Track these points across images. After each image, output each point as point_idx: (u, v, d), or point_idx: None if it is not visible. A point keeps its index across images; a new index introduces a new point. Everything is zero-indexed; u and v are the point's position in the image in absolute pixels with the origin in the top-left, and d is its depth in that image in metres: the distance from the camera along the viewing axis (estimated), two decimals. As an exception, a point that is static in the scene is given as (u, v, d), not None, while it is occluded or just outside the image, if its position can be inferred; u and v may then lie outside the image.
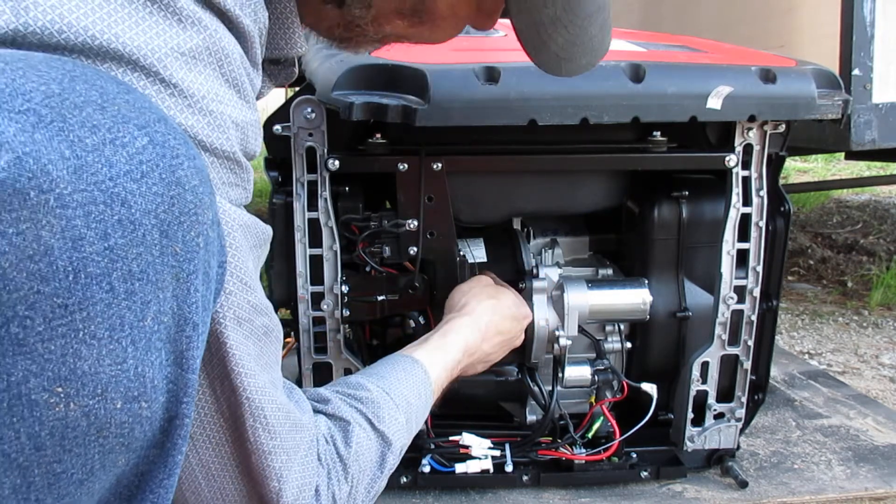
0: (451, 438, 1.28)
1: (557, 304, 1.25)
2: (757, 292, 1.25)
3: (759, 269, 1.24)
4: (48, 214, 0.42)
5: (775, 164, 1.24)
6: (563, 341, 1.23)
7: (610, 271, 1.36)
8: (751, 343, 1.28)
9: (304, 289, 1.18)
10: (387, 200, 1.28)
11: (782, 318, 2.47)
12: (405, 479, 1.27)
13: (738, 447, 1.34)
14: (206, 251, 0.51)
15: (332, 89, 1.01)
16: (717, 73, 1.09)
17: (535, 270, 1.27)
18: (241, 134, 0.61)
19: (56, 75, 0.46)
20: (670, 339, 1.34)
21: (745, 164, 1.21)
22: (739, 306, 1.26)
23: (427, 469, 1.28)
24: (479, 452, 1.27)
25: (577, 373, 1.28)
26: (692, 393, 1.29)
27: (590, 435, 1.30)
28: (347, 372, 1.24)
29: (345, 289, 1.18)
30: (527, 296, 1.23)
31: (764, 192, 1.22)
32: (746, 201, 1.22)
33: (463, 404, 1.36)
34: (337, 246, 1.17)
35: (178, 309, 0.49)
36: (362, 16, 0.72)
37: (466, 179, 1.23)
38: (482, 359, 1.12)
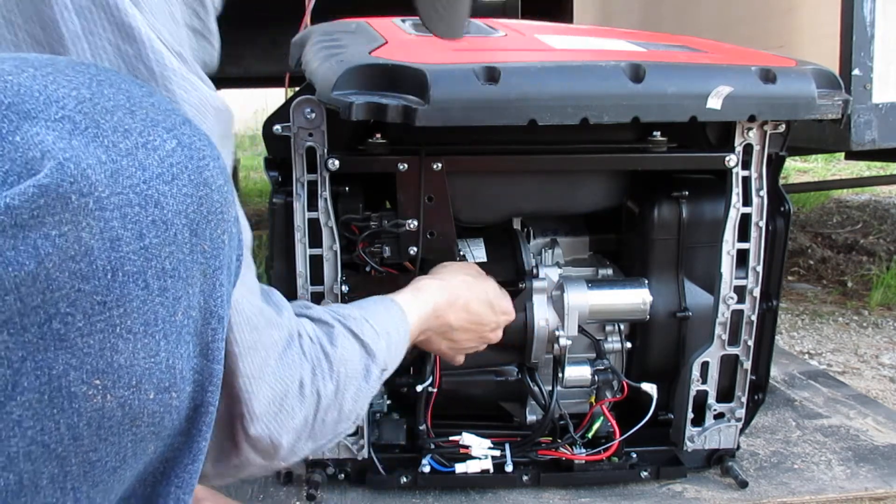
0: (451, 438, 1.28)
1: (557, 304, 1.25)
2: (757, 292, 1.25)
3: (759, 269, 1.24)
4: (88, 217, 0.44)
5: (775, 164, 1.24)
6: (563, 341, 1.23)
7: (610, 271, 1.36)
8: (751, 343, 1.28)
9: (304, 289, 1.18)
10: (387, 200, 1.28)
11: (782, 318, 2.47)
12: (405, 479, 1.27)
13: (738, 447, 1.34)
14: (230, 247, 0.53)
15: (332, 89, 1.01)
16: (717, 73, 1.09)
17: (535, 270, 1.27)
18: None
19: (83, 80, 0.48)
20: (670, 339, 1.34)
21: (745, 164, 1.21)
22: (739, 306, 1.26)
23: (427, 469, 1.28)
24: (479, 452, 1.27)
25: (577, 373, 1.28)
26: (692, 393, 1.29)
27: (590, 435, 1.30)
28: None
29: (345, 289, 1.18)
30: (527, 296, 1.23)
31: (764, 192, 1.22)
32: (746, 201, 1.22)
33: (463, 404, 1.36)
34: (337, 246, 1.17)
35: (205, 303, 0.52)
36: None
37: (466, 179, 1.23)
38: (447, 330, 1.10)
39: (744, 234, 1.23)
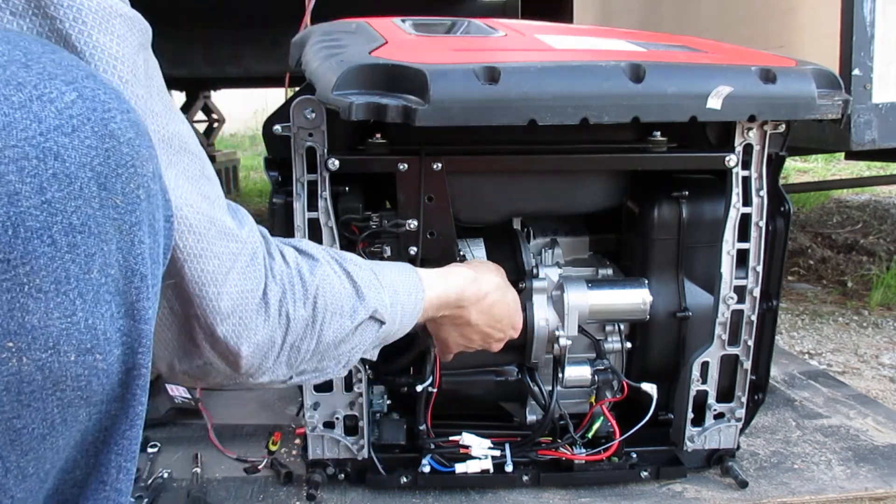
0: (451, 438, 1.29)
1: (557, 304, 1.25)
2: (757, 292, 1.25)
3: (759, 269, 1.24)
4: None
5: (775, 164, 1.24)
6: (563, 341, 1.23)
7: (610, 271, 1.36)
8: (751, 343, 1.28)
9: (304, 289, 1.18)
10: (387, 200, 1.28)
11: (782, 318, 2.47)
12: (405, 479, 1.27)
13: (738, 447, 1.34)
14: (149, 203, 0.52)
15: (332, 89, 1.01)
16: (717, 73, 1.09)
17: (535, 270, 1.27)
18: None
19: None
20: (670, 339, 1.34)
21: (745, 164, 1.21)
22: (739, 306, 1.26)
23: (427, 469, 1.28)
24: (479, 452, 1.27)
25: (577, 373, 1.28)
26: (692, 393, 1.29)
27: (590, 435, 1.30)
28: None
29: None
30: (527, 296, 1.23)
31: (764, 192, 1.22)
32: (746, 201, 1.22)
33: (463, 404, 1.36)
34: (337, 246, 1.17)
35: (124, 261, 0.50)
36: None
37: (466, 179, 1.23)
38: (464, 323, 1.10)
39: (744, 234, 1.23)
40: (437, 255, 1.20)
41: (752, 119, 1.12)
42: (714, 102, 1.07)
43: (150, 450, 1.42)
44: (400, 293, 0.94)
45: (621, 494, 1.30)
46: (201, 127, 5.17)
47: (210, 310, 0.69)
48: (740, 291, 1.25)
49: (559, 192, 1.30)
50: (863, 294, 2.75)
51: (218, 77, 3.50)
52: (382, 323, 0.90)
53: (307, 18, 1.72)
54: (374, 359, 1.01)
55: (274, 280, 0.76)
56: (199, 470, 1.36)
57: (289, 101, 1.14)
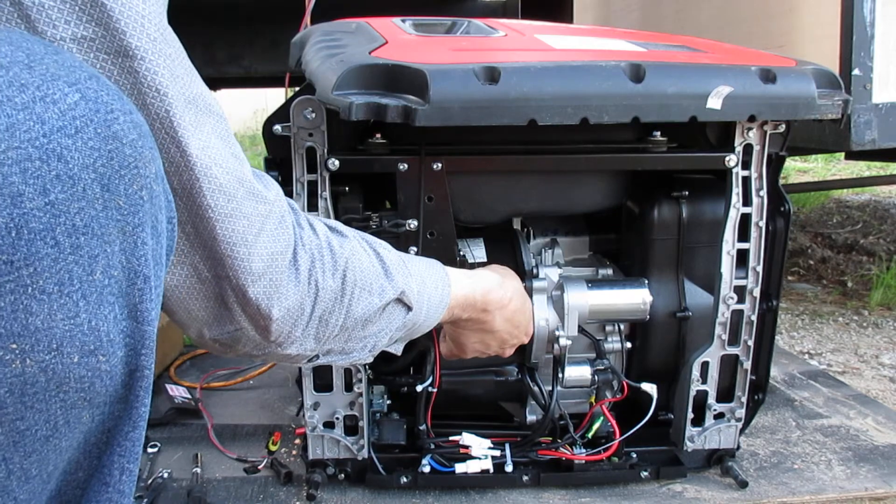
0: (451, 438, 1.28)
1: (557, 304, 1.25)
2: (757, 292, 1.25)
3: (759, 269, 1.24)
4: None
5: (775, 164, 1.24)
6: (563, 341, 1.23)
7: (610, 271, 1.36)
8: (751, 343, 1.28)
9: (304, 289, 1.18)
10: (387, 200, 1.28)
11: (782, 318, 2.47)
12: (405, 479, 1.27)
13: (738, 447, 1.34)
14: (152, 205, 0.52)
15: (332, 89, 1.01)
16: (717, 73, 1.09)
17: (535, 270, 1.27)
18: None
19: None
20: (670, 339, 1.34)
21: (745, 164, 1.21)
22: (739, 306, 1.26)
23: (427, 469, 1.28)
24: (479, 452, 1.27)
25: (577, 373, 1.28)
26: (692, 393, 1.29)
27: (590, 435, 1.30)
28: (348, 371, 1.24)
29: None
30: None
31: (764, 192, 1.22)
32: (746, 201, 1.22)
33: (463, 404, 1.36)
34: (337, 246, 1.17)
35: (127, 262, 0.50)
36: None
37: (466, 179, 1.23)
38: (488, 329, 1.10)
39: (744, 234, 1.23)
40: (437, 255, 1.20)
41: (752, 119, 1.12)
42: (714, 102, 1.07)
43: (150, 450, 1.42)
44: (427, 284, 0.95)
45: (621, 494, 1.30)
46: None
47: (241, 269, 0.70)
48: (740, 291, 1.25)
49: (559, 192, 1.30)
50: (863, 294, 2.75)
51: (218, 77, 3.49)
52: (409, 309, 0.91)
53: (307, 18, 1.72)
54: (399, 353, 1.01)
55: (304, 248, 0.77)
56: (199, 470, 1.36)
57: (289, 101, 1.14)
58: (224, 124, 0.68)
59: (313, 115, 1.12)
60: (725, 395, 1.31)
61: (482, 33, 1.38)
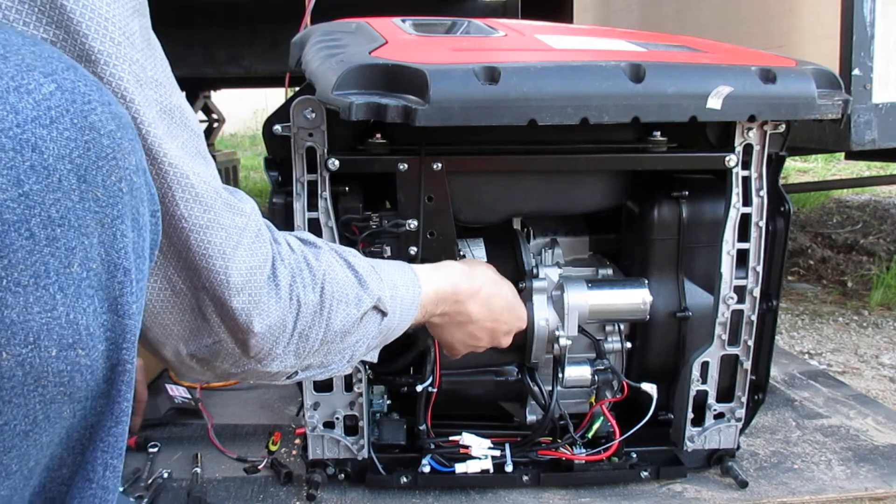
0: (451, 438, 1.28)
1: (557, 304, 1.25)
2: (757, 292, 1.25)
3: (759, 269, 1.24)
4: None
5: (775, 164, 1.24)
6: (563, 341, 1.23)
7: (610, 271, 1.36)
8: (751, 343, 1.28)
9: (304, 289, 1.18)
10: (387, 200, 1.28)
11: (782, 318, 2.47)
12: (405, 479, 1.27)
13: (738, 447, 1.34)
14: (133, 197, 0.50)
15: (332, 89, 1.01)
16: (717, 73, 1.09)
17: (535, 270, 1.27)
18: None
19: None
20: (670, 339, 1.34)
21: (745, 164, 1.21)
22: (739, 306, 1.26)
23: (427, 469, 1.28)
24: (479, 452, 1.27)
25: (577, 373, 1.28)
26: (692, 393, 1.29)
27: (590, 435, 1.30)
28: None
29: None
30: (527, 296, 1.23)
31: (764, 192, 1.22)
32: (746, 201, 1.22)
33: (463, 404, 1.36)
34: (337, 246, 1.17)
35: (106, 255, 0.49)
36: None
37: (466, 179, 1.23)
38: (466, 320, 1.09)
39: (744, 234, 1.23)
40: (437, 255, 1.20)
41: (752, 119, 1.12)
42: (714, 102, 1.07)
43: (150, 450, 1.42)
44: (399, 286, 0.94)
45: (621, 494, 1.30)
46: (201, 127, 5.16)
47: (219, 283, 0.68)
48: (740, 291, 1.25)
49: (559, 192, 1.30)
50: (863, 294, 2.75)
51: (218, 77, 3.49)
52: (384, 315, 0.90)
53: (307, 18, 1.72)
54: (375, 360, 1.00)
55: (283, 263, 0.75)
56: (199, 470, 1.36)
57: (289, 101, 1.14)
58: (200, 141, 0.66)
59: (313, 115, 1.12)
60: (725, 395, 1.31)
61: (482, 33, 1.38)
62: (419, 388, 1.24)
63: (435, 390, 1.25)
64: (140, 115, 0.59)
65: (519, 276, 1.27)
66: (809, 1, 2.04)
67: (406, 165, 1.15)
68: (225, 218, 0.67)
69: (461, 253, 1.26)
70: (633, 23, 2.99)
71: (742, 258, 1.24)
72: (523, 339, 1.23)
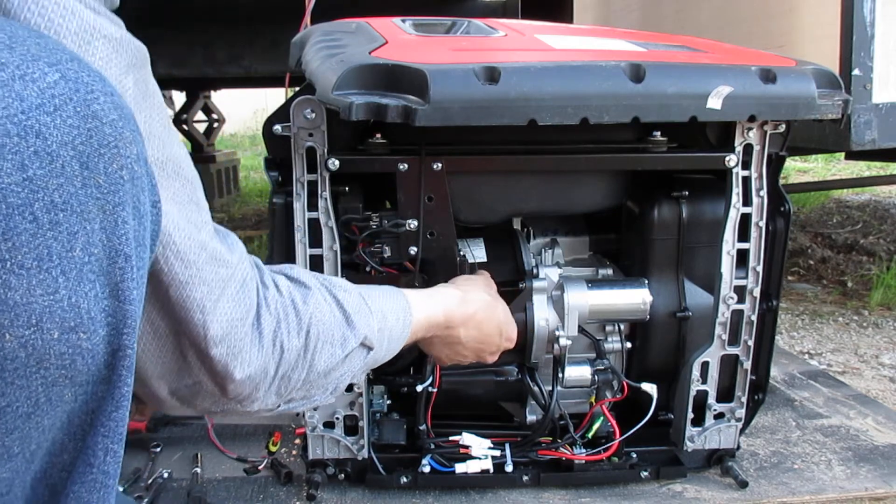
0: (451, 438, 1.29)
1: (557, 304, 1.25)
2: (757, 292, 1.25)
3: (759, 269, 1.24)
4: None
5: (775, 164, 1.24)
6: (563, 341, 1.23)
7: (610, 271, 1.36)
8: (751, 343, 1.28)
9: (304, 289, 1.18)
10: (387, 200, 1.28)
11: (782, 318, 2.47)
12: (405, 479, 1.27)
13: (738, 447, 1.34)
14: (134, 185, 0.51)
15: (332, 89, 1.01)
16: (717, 73, 1.09)
17: (535, 270, 1.27)
18: None
19: None
20: (670, 339, 1.34)
21: (745, 164, 1.21)
22: (739, 306, 1.26)
23: (427, 469, 1.28)
24: (479, 452, 1.28)
25: (577, 373, 1.28)
26: (692, 393, 1.29)
27: (590, 435, 1.30)
28: (347, 372, 1.24)
29: (345, 289, 1.18)
30: (527, 296, 1.23)
31: (764, 192, 1.22)
32: (746, 201, 1.22)
33: (463, 404, 1.36)
34: (337, 246, 1.17)
35: (107, 241, 0.50)
36: None
37: (466, 179, 1.23)
38: (454, 341, 1.09)
39: (744, 234, 1.23)
40: (437, 255, 1.20)
41: (752, 119, 1.12)
42: (714, 102, 1.07)
43: (150, 450, 1.42)
44: (388, 318, 0.93)
45: (621, 494, 1.30)
46: (201, 127, 5.16)
47: (197, 335, 0.68)
48: (740, 291, 1.25)
49: (559, 192, 1.30)
50: (863, 294, 2.75)
51: (218, 77, 3.49)
52: (370, 349, 0.89)
53: (307, 18, 1.72)
54: (361, 383, 0.99)
55: (268, 310, 0.75)
56: (199, 470, 1.36)
57: (289, 101, 1.14)
58: (191, 189, 0.66)
59: (313, 115, 1.12)
60: (725, 395, 1.31)
61: (482, 33, 1.38)
62: (419, 388, 1.24)
63: (435, 390, 1.25)
64: None
65: (519, 276, 1.27)
66: (809, 1, 2.04)
67: (406, 165, 1.15)
68: (207, 272, 0.67)
69: (461, 253, 1.26)
70: (633, 23, 2.99)
71: (742, 258, 1.24)
72: (523, 339, 1.23)
